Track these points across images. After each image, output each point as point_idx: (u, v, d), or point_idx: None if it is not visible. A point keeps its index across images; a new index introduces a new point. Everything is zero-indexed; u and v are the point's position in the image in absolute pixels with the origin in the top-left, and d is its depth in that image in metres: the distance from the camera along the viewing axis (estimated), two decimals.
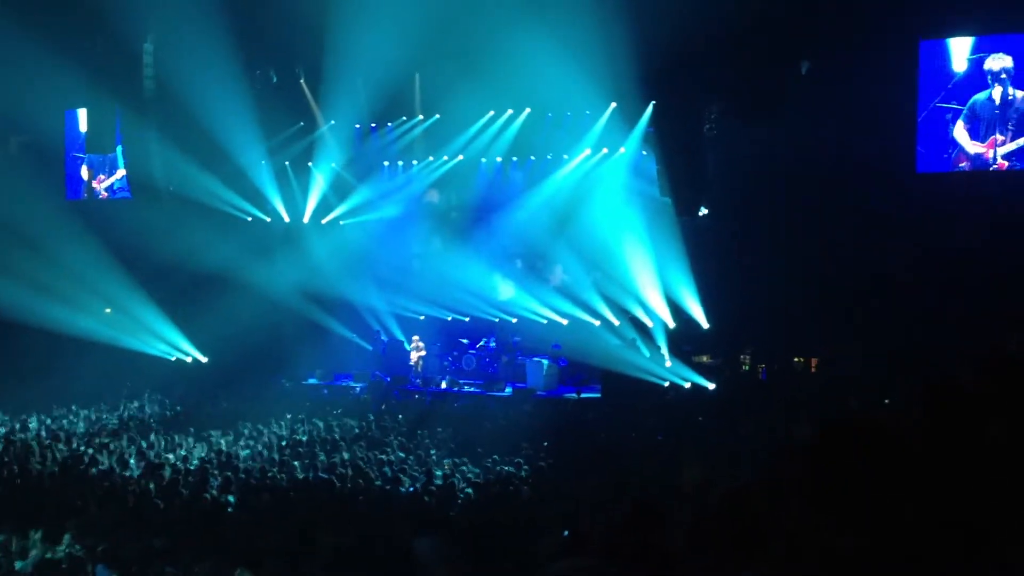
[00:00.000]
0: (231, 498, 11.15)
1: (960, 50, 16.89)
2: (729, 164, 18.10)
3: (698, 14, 15.93)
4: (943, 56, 17.00)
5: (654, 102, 19.05)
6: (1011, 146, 16.49)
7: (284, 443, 14.94)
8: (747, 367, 18.87)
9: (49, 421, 17.00)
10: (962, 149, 16.86)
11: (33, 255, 21.07)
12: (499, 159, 21.88)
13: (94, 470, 12.59)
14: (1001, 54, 16.53)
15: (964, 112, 16.78)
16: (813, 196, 17.30)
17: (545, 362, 20.43)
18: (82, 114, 24.01)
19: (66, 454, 13.57)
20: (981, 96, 16.71)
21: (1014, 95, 16.51)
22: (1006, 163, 16.58)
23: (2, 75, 20.47)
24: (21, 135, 23.57)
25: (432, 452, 14.26)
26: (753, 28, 16.35)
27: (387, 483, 11.92)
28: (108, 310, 22.58)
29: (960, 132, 16.84)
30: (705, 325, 18.95)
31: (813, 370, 18.17)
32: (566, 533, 7.11)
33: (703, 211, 18.67)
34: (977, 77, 16.77)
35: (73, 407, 18.19)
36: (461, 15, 17.57)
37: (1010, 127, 16.49)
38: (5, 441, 14.66)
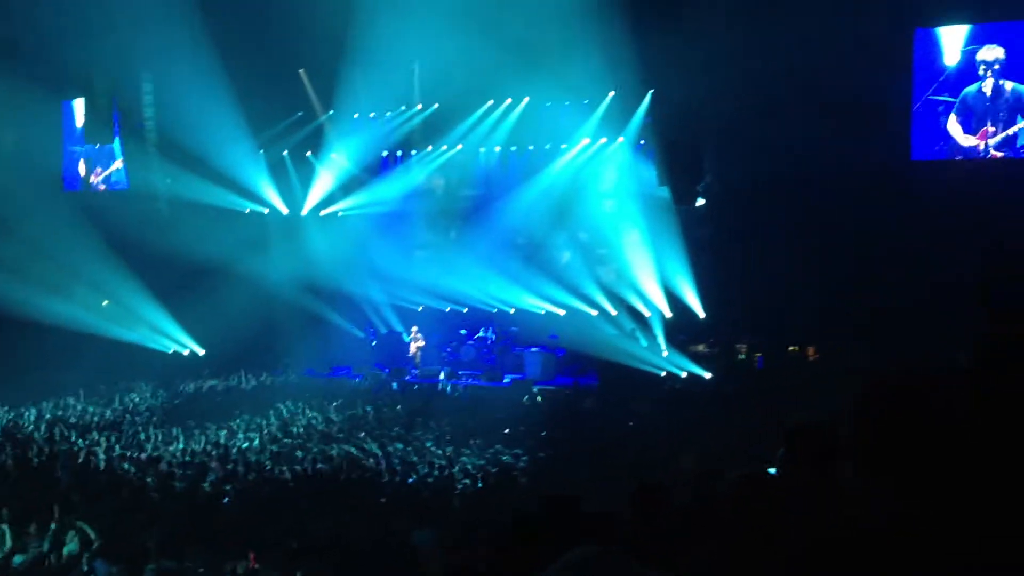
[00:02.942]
0: (228, 489, 11.15)
1: (952, 42, 16.81)
2: (726, 154, 18.05)
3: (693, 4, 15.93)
4: (935, 49, 16.93)
5: (652, 91, 19.01)
6: (1001, 136, 16.44)
7: (282, 435, 14.93)
8: (743, 356, 18.85)
9: (47, 414, 16.99)
10: (955, 143, 16.82)
11: (29, 247, 21.03)
12: (498, 148, 21.84)
13: (91, 463, 12.59)
14: (993, 45, 16.47)
15: (956, 105, 16.73)
16: (808, 185, 17.22)
17: (542, 352, 20.42)
18: (78, 105, 23.96)
19: (63, 447, 13.56)
20: (972, 88, 16.66)
21: (1003, 86, 16.45)
22: (1000, 153, 16.53)
23: None
24: (17, 126, 23.48)
25: (430, 443, 14.24)
26: None
27: (385, 474, 11.91)
28: (105, 302, 22.55)
29: (953, 126, 16.78)
30: (701, 314, 18.94)
31: (809, 359, 18.14)
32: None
33: (700, 201, 18.63)
34: (969, 69, 16.69)
35: (69, 400, 18.19)
36: (459, 4, 17.52)
37: (1001, 116, 16.44)
38: (2, 434, 14.67)
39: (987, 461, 2.23)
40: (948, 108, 16.84)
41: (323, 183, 23.00)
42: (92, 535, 8.94)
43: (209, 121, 20.55)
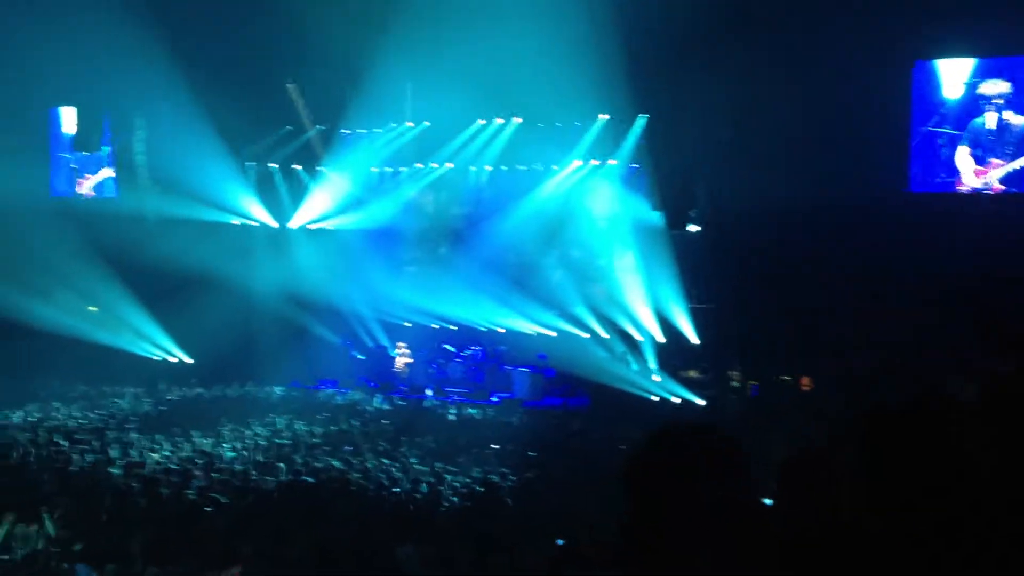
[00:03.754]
0: (214, 497, 11.02)
1: (953, 75, 16.82)
2: (720, 180, 18.08)
3: (689, 26, 16.02)
4: (934, 80, 16.97)
5: (647, 115, 19.06)
6: (1007, 168, 16.43)
7: (267, 445, 14.82)
8: (737, 384, 18.75)
9: (31, 417, 16.83)
10: (958, 175, 16.81)
11: (17, 252, 20.87)
12: (489, 168, 21.83)
13: (75, 467, 12.46)
14: (997, 80, 16.48)
15: (966, 138, 16.71)
16: (802, 214, 17.22)
17: (531, 372, 20.35)
18: (66, 112, 23.89)
19: (49, 450, 13.42)
20: (978, 121, 16.67)
21: (1009, 120, 16.46)
22: (1002, 187, 16.54)
23: None
24: (4, 132, 23.33)
25: (415, 460, 14.14)
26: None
27: (371, 488, 11.81)
28: (93, 308, 22.39)
29: (964, 159, 16.74)
30: (695, 340, 18.87)
31: (803, 388, 18.06)
32: (560, 542, 7.02)
33: (693, 227, 18.65)
34: (971, 103, 16.71)
35: (56, 404, 18.02)
36: (452, 23, 17.57)
37: (1008, 151, 16.43)
38: None
39: (990, 495, 2.21)
40: (951, 140, 16.83)
41: (312, 197, 22.98)
42: (75, 539, 8.85)
43: (197, 141, 20.56)
